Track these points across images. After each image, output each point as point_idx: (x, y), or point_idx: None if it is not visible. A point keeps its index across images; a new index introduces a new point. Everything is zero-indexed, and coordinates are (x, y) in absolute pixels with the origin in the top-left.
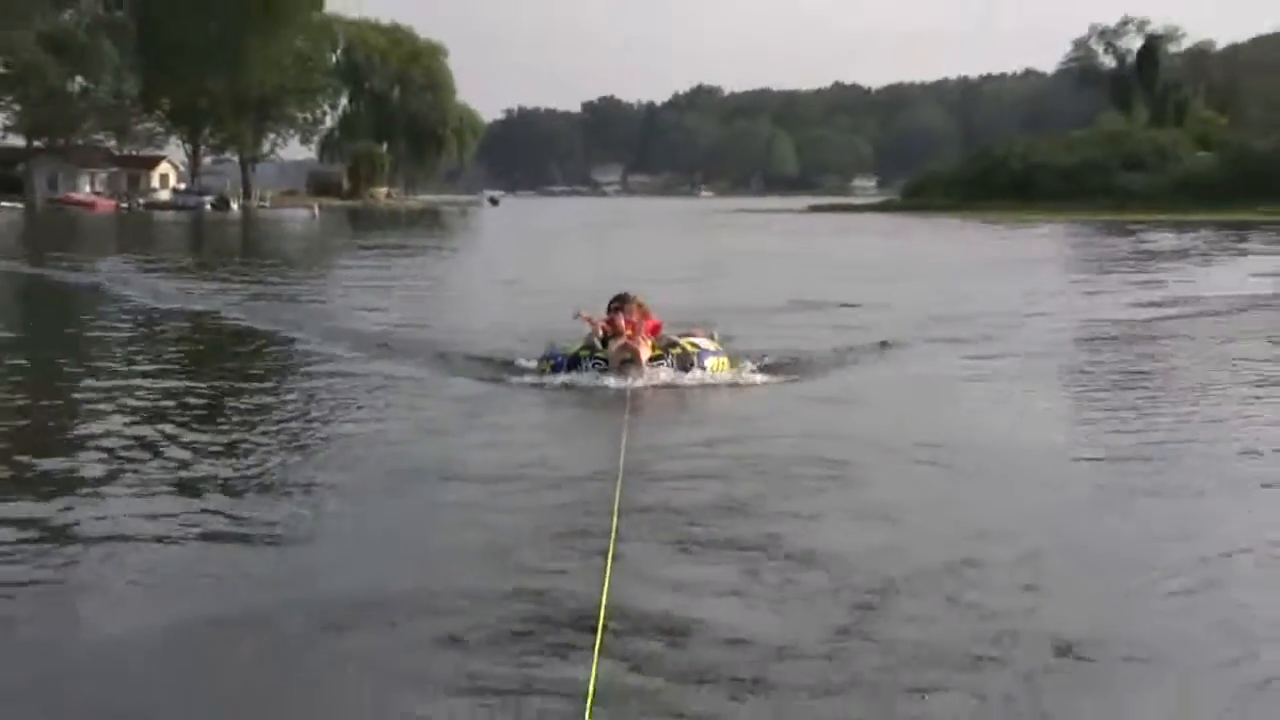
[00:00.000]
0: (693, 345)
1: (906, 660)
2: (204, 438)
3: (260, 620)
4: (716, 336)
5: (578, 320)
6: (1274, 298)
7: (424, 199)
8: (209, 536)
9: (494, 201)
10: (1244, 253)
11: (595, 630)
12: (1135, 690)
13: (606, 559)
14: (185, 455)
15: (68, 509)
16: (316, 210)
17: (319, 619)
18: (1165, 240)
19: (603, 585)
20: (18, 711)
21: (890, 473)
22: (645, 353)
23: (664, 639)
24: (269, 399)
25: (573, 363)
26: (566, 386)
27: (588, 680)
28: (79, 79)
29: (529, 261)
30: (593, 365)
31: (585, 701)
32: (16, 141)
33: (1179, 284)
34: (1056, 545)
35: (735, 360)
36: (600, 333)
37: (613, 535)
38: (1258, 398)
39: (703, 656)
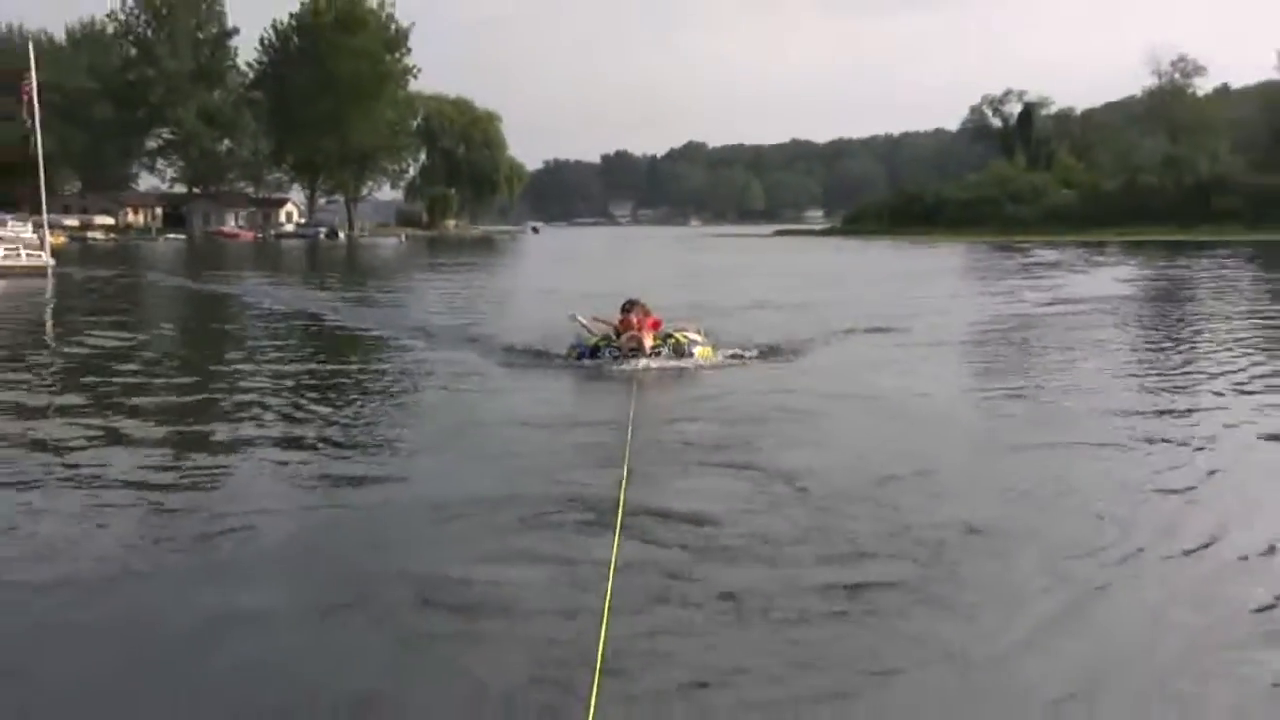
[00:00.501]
0: (684, 337)
1: (854, 540)
2: (317, 402)
3: (373, 517)
4: (702, 330)
5: (574, 322)
6: (1128, 297)
7: (482, 229)
8: (330, 468)
9: (535, 230)
10: (1101, 264)
11: (616, 517)
12: (1022, 556)
13: (623, 472)
14: (304, 414)
15: (224, 452)
16: (404, 238)
17: (417, 518)
18: (1045, 255)
19: (620, 489)
20: (210, 575)
21: (836, 419)
22: (648, 343)
23: (668, 525)
24: (367, 375)
25: (593, 351)
26: (586, 373)
27: (610, 552)
28: (226, 142)
29: (562, 275)
30: (608, 352)
31: (610, 568)
32: (180, 189)
33: (1058, 287)
34: (956, 466)
35: (716, 347)
36: (592, 328)
37: (626, 458)
38: (1112, 370)
39: (699, 538)
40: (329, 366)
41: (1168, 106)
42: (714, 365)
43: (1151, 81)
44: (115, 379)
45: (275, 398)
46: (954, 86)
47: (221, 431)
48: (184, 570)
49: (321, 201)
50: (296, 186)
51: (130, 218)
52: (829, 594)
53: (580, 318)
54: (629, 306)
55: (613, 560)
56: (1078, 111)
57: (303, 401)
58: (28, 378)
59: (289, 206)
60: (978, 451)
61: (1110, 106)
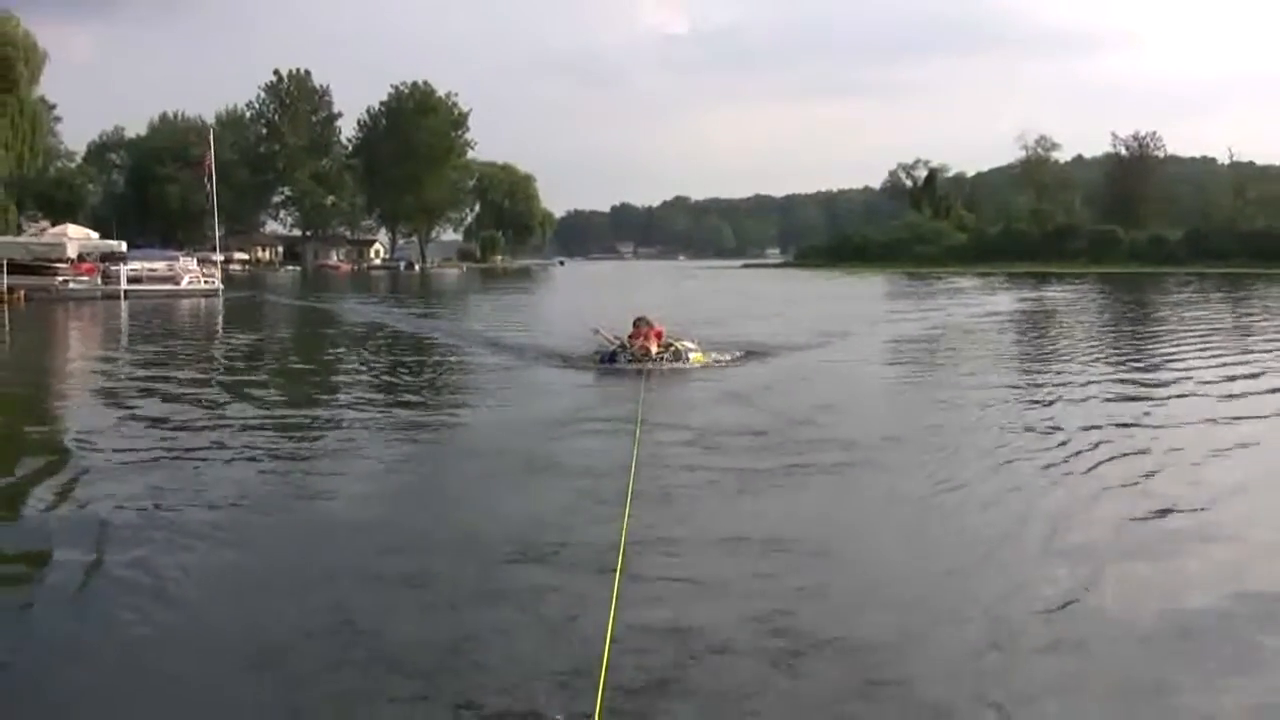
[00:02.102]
0: (682, 345)
1: (812, 442)
2: (391, 386)
3: (486, 428)
4: (697, 340)
5: (596, 335)
6: (1026, 310)
7: (521, 262)
8: (402, 437)
9: (562, 263)
10: (1000, 289)
11: (635, 430)
12: (925, 451)
13: (637, 413)
14: (380, 395)
15: (315, 428)
16: (463, 269)
17: (509, 431)
18: (958, 282)
19: (637, 419)
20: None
21: (792, 390)
22: (654, 350)
23: (673, 433)
24: (431, 369)
25: (612, 356)
26: (608, 370)
27: (631, 451)
28: (331, 198)
29: (584, 298)
30: (624, 358)
31: (631, 458)
32: (296, 232)
33: (978, 304)
34: (882, 409)
35: (707, 353)
36: (609, 339)
37: (639, 414)
38: (1012, 353)
39: (696, 437)
40: (399, 360)
41: (1034, 171)
42: (705, 366)
43: (1021, 153)
44: (264, 361)
45: (355, 380)
46: (877, 155)
47: (309, 409)
48: (356, 464)
49: (401, 241)
50: (383, 230)
51: (259, 254)
52: (797, 467)
53: (601, 330)
54: (638, 322)
55: (633, 462)
56: (969, 175)
57: (377, 385)
58: (211, 357)
59: (376, 245)
60: (901, 403)
61: (993, 171)
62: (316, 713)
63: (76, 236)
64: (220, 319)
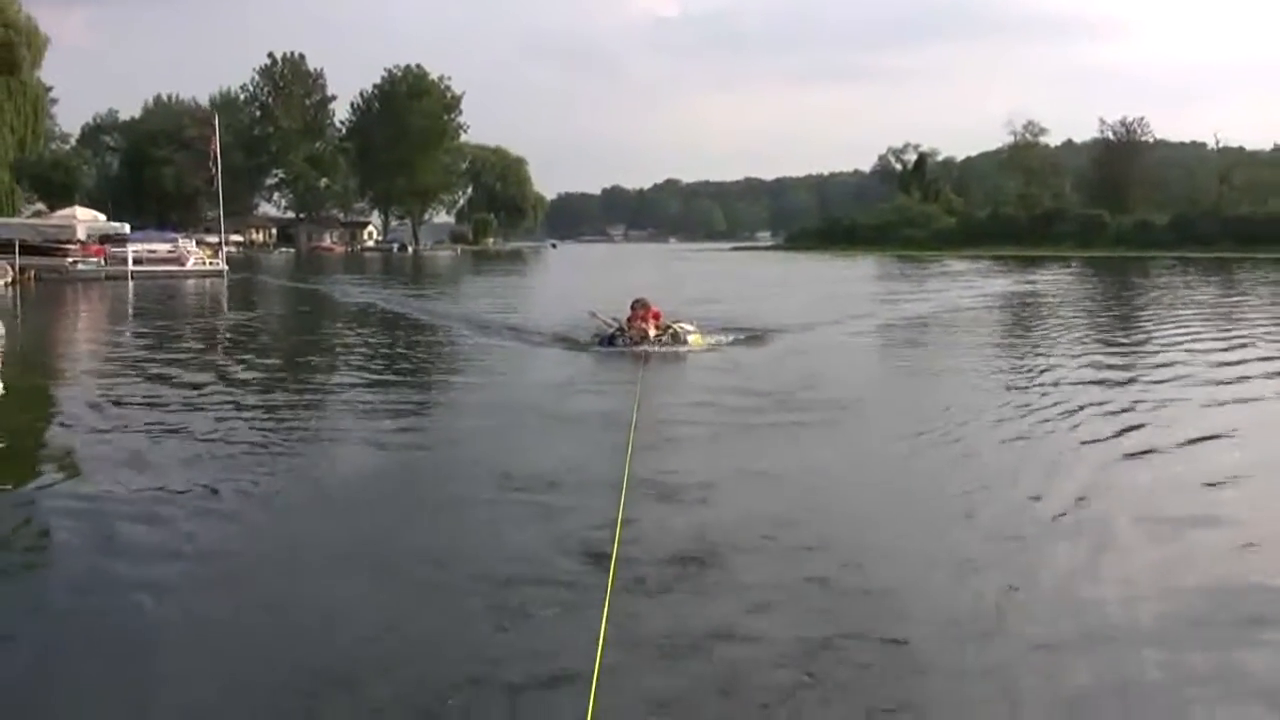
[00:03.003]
0: (681, 328)
1: (800, 402)
2: (385, 365)
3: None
4: (695, 323)
5: (593, 318)
6: (1024, 294)
7: (513, 245)
8: (400, 411)
9: (554, 245)
10: (995, 274)
11: (635, 396)
12: (904, 410)
13: (637, 381)
14: (376, 375)
15: (327, 395)
16: (457, 251)
17: (527, 393)
18: (954, 265)
19: (637, 386)
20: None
21: (790, 364)
22: (652, 333)
23: (673, 395)
24: (425, 349)
25: (610, 339)
26: (607, 352)
27: (633, 408)
28: (325, 180)
29: (577, 281)
30: (622, 341)
31: (633, 414)
32: (290, 215)
33: (977, 287)
34: (864, 379)
35: (705, 335)
36: (606, 322)
37: (638, 396)
38: (1005, 332)
39: (695, 400)
40: (392, 336)
41: (1022, 156)
42: (703, 349)
43: (1009, 138)
44: (277, 337)
45: (349, 360)
46: (867, 138)
47: (303, 382)
48: (367, 423)
49: (393, 224)
50: (375, 212)
51: (253, 236)
52: (785, 423)
53: (598, 314)
54: (636, 304)
55: (635, 406)
56: (958, 159)
57: (370, 364)
58: (229, 334)
59: (369, 227)
60: (897, 374)
61: (982, 155)
62: (382, 592)
63: (85, 219)
64: (226, 299)
